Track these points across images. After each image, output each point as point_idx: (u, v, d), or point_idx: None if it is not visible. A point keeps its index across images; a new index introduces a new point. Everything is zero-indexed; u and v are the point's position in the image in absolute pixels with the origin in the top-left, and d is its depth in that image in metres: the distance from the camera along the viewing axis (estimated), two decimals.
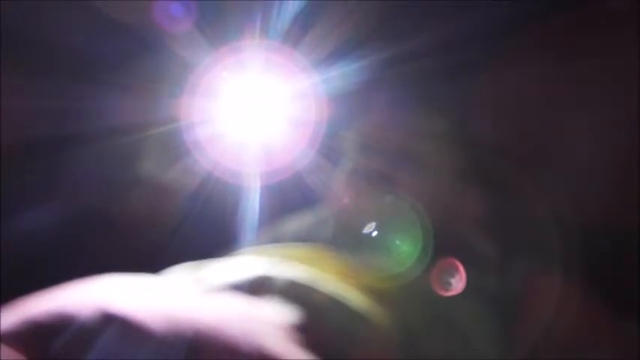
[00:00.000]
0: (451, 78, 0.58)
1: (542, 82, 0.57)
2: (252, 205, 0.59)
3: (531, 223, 0.55)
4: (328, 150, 0.58)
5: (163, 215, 0.66)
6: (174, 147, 0.62)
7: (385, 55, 0.57)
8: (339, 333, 0.42)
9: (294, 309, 0.42)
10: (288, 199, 0.60)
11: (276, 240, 0.56)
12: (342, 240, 0.54)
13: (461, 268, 0.52)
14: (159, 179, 0.65)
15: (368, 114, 0.59)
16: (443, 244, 0.52)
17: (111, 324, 0.32)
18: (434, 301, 0.50)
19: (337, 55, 0.57)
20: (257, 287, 0.44)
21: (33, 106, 0.62)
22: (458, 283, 0.51)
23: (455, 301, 0.50)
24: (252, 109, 0.61)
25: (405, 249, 0.53)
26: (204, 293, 0.41)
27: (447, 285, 0.51)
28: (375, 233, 0.54)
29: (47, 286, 0.36)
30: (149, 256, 0.55)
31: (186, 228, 0.64)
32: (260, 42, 0.58)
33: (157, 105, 0.62)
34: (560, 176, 0.56)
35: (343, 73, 0.58)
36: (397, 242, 0.53)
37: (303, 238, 0.56)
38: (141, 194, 0.65)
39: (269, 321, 0.39)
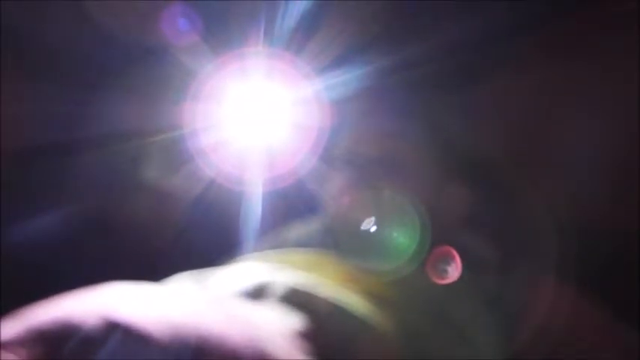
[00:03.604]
0: (453, 83, 0.58)
1: (543, 84, 0.57)
2: (255, 211, 0.59)
3: (531, 225, 0.55)
4: (331, 156, 0.58)
5: (167, 221, 0.66)
6: (178, 153, 0.62)
7: (387, 61, 0.57)
8: (341, 338, 0.42)
9: (297, 315, 0.42)
10: (291, 205, 0.61)
11: (279, 246, 0.57)
12: (342, 237, 0.55)
13: (457, 256, 0.52)
14: (162, 185, 0.65)
15: (370, 119, 0.59)
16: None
17: (115, 331, 0.32)
18: (434, 303, 0.50)
19: (340, 61, 0.58)
20: (259, 294, 0.44)
21: (37, 112, 0.62)
22: (454, 271, 0.51)
23: (455, 302, 0.50)
24: (256, 115, 0.62)
25: (402, 241, 0.53)
26: (208, 300, 0.41)
27: (443, 273, 0.51)
28: (373, 229, 0.54)
29: (51, 293, 0.36)
30: (152, 263, 0.55)
31: (190, 234, 0.64)
32: (263, 49, 0.58)
33: (161, 111, 0.62)
34: (560, 178, 0.56)
35: (346, 80, 0.58)
36: (394, 235, 0.54)
37: (305, 243, 0.56)
38: (144, 200, 0.65)
39: (272, 327, 0.39)
